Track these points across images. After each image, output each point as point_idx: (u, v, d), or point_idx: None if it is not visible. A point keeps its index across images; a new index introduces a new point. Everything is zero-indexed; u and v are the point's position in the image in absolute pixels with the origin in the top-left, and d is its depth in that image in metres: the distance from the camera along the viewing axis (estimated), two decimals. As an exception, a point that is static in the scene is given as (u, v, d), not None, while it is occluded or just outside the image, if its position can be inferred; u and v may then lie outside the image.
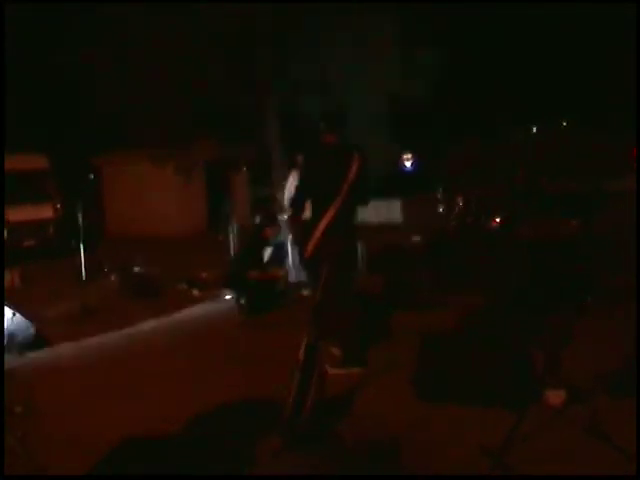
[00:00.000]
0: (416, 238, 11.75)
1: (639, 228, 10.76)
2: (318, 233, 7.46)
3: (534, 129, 25.74)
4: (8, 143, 20.39)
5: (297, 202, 7.98)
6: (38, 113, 25.74)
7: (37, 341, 9.26)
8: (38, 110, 25.69)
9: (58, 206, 20.28)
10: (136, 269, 14.52)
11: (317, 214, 7.57)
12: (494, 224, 12.12)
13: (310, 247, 7.54)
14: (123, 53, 20.72)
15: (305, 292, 10.99)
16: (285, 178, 13.02)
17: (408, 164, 38.27)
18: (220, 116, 22.19)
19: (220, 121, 22.54)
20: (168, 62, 20.53)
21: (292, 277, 11.99)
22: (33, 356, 8.81)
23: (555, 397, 6.01)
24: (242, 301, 10.62)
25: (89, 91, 21.80)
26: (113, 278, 14.03)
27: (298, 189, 8.15)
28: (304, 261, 8.19)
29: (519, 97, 27.26)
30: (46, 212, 19.96)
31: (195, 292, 12.72)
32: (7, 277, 14.16)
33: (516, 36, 26.87)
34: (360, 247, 8.08)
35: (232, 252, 14.43)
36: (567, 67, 26.97)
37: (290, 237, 11.89)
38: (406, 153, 37.32)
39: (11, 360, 8.41)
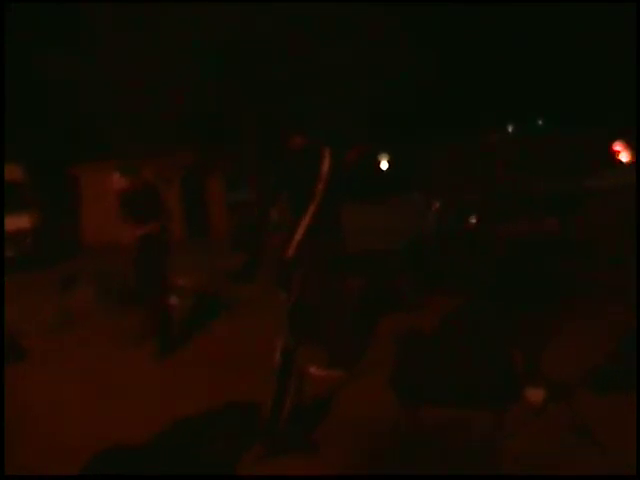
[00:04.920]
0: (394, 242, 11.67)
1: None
2: (298, 236, 7.44)
3: (510, 129, 25.82)
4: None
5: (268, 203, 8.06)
6: (14, 122, 25.56)
7: (15, 352, 9.24)
8: (14, 119, 25.51)
9: (35, 216, 20.17)
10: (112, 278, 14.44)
11: (296, 217, 7.53)
12: (470, 225, 12.15)
13: (290, 250, 7.50)
14: (100, 62, 20.70)
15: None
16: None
17: (385, 166, 38.45)
18: (195, 123, 22.18)
19: (195, 128, 22.52)
20: (145, 71, 20.53)
21: None
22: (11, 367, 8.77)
23: (535, 395, 6.04)
24: None
25: (67, 100, 21.76)
26: (90, 287, 13.94)
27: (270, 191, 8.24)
28: (282, 264, 8.17)
29: (500, 97, 27.40)
30: (23, 222, 19.85)
31: (173, 299, 12.65)
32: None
33: (498, 36, 27.01)
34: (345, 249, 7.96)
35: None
36: (546, 64, 27.06)
37: None
38: (383, 155, 37.49)
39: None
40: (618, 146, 15.28)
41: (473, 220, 12.18)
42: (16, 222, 19.63)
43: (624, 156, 15.20)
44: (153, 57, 20.13)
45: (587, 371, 6.51)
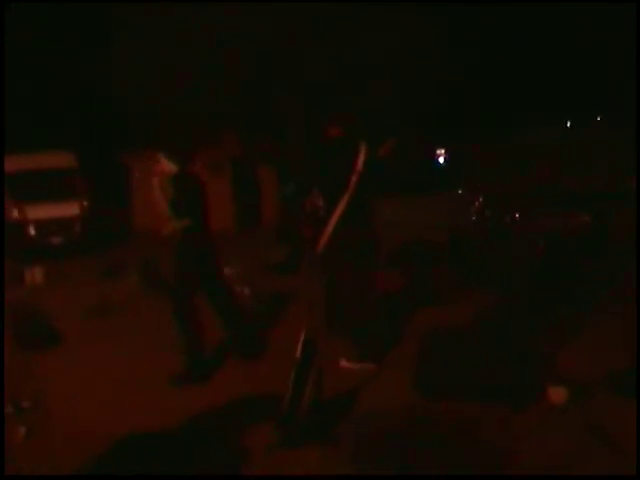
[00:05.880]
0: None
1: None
2: (329, 227, 7.46)
3: (568, 125, 25.25)
4: (39, 141, 20.65)
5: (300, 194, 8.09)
6: (69, 111, 25.89)
7: (52, 337, 9.36)
8: (69, 108, 25.84)
9: (85, 204, 20.36)
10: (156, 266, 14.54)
11: (328, 208, 7.57)
12: (510, 220, 12.01)
13: (322, 242, 7.54)
14: (152, 52, 20.87)
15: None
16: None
17: (442, 159, 38.24)
18: (248, 113, 22.26)
19: (248, 118, 22.61)
20: (196, 61, 20.68)
21: None
22: (47, 352, 8.89)
23: (557, 394, 5.97)
24: None
25: (119, 89, 21.97)
26: (135, 275, 14.06)
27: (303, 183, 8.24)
28: (315, 256, 8.16)
29: (544, 95, 27.06)
30: (73, 209, 20.05)
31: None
32: (27, 275, 14.33)
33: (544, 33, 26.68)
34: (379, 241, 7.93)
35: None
36: (596, 60, 26.64)
37: None
38: (439, 148, 37.29)
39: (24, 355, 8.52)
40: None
41: (513, 216, 12.03)
42: (65, 209, 19.86)
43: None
44: (200, 48, 20.28)
45: (613, 373, 6.42)
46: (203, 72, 20.78)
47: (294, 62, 20.48)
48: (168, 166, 7.96)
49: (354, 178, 7.41)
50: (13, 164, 19.27)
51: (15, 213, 19.08)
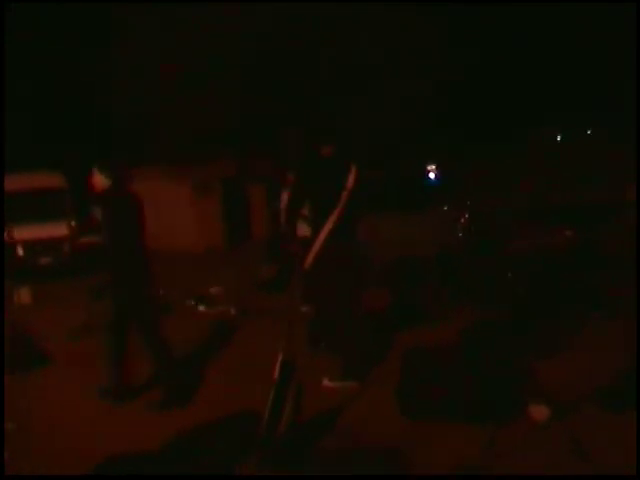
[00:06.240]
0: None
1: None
2: (318, 244, 7.55)
3: (558, 137, 25.02)
4: (24, 161, 20.61)
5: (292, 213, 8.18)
6: (54, 130, 25.87)
7: (39, 358, 9.33)
8: (54, 127, 25.82)
9: (73, 224, 20.29)
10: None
11: (317, 225, 7.67)
12: (492, 237, 12.04)
13: (310, 258, 7.61)
14: (139, 68, 20.91)
15: (304, 308, 10.62)
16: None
17: (432, 175, 38.16)
18: (236, 131, 22.30)
19: (236, 136, 22.65)
20: (184, 78, 20.73)
21: None
22: (34, 372, 8.87)
23: (538, 412, 5.95)
24: None
25: (105, 107, 21.99)
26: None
27: (292, 200, 8.33)
28: (302, 273, 8.16)
29: (535, 100, 26.96)
30: (62, 230, 19.98)
31: (201, 308, 12.72)
32: (15, 295, 14.27)
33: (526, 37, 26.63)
34: (365, 259, 8.01)
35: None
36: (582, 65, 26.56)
37: None
38: (430, 165, 37.22)
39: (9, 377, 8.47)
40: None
41: (498, 233, 12.06)
42: (54, 230, 19.79)
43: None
44: (194, 62, 20.36)
45: (600, 388, 6.41)
46: (195, 89, 20.85)
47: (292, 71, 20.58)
48: (101, 181, 7.41)
49: (345, 194, 7.54)
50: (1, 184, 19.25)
51: (4, 233, 19.01)
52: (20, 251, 19.27)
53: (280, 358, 5.77)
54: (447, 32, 20.87)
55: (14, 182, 19.18)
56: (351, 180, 7.60)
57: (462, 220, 13.16)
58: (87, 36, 21.83)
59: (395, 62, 20.69)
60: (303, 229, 8.83)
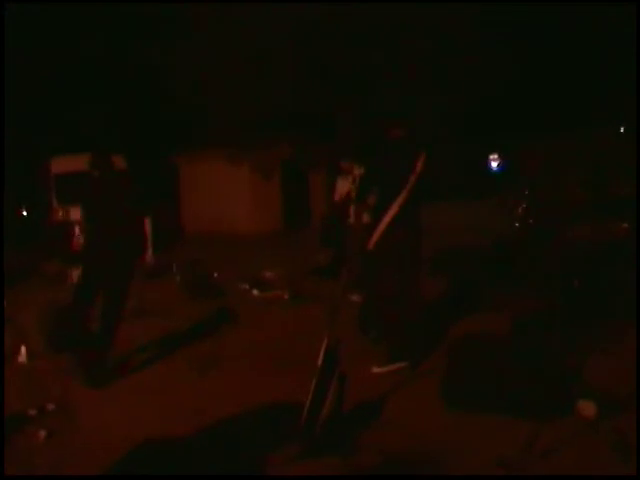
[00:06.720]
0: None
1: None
2: (383, 225, 7.54)
3: (621, 130, 24.57)
4: (88, 144, 20.78)
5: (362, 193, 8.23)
6: (117, 113, 26.07)
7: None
8: (117, 110, 26.03)
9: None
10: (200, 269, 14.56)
11: (382, 206, 7.66)
12: (551, 226, 11.84)
13: (373, 239, 7.62)
14: (203, 52, 20.99)
15: (354, 297, 10.37)
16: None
17: (495, 165, 37.85)
18: (298, 116, 22.30)
19: (298, 121, 22.66)
20: (248, 62, 20.76)
21: None
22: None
23: (586, 409, 5.79)
24: None
25: (168, 90, 22.13)
26: (178, 278, 14.05)
27: (363, 181, 8.31)
28: (365, 254, 8.14)
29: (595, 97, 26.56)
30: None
31: (255, 292, 12.69)
32: (73, 275, 14.36)
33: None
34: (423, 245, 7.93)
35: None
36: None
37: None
38: (493, 154, 36.91)
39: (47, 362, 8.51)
40: None
41: (554, 222, 11.86)
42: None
43: None
44: (258, 47, 20.40)
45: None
46: (253, 74, 20.89)
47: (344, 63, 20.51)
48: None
49: (413, 178, 7.51)
50: (60, 165, 19.42)
51: (60, 214, 19.18)
52: (77, 232, 19.38)
53: (324, 345, 5.68)
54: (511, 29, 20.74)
55: (72, 163, 19.35)
56: (420, 164, 7.56)
57: (519, 210, 13.02)
58: (153, 23, 21.89)
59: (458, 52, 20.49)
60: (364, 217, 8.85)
